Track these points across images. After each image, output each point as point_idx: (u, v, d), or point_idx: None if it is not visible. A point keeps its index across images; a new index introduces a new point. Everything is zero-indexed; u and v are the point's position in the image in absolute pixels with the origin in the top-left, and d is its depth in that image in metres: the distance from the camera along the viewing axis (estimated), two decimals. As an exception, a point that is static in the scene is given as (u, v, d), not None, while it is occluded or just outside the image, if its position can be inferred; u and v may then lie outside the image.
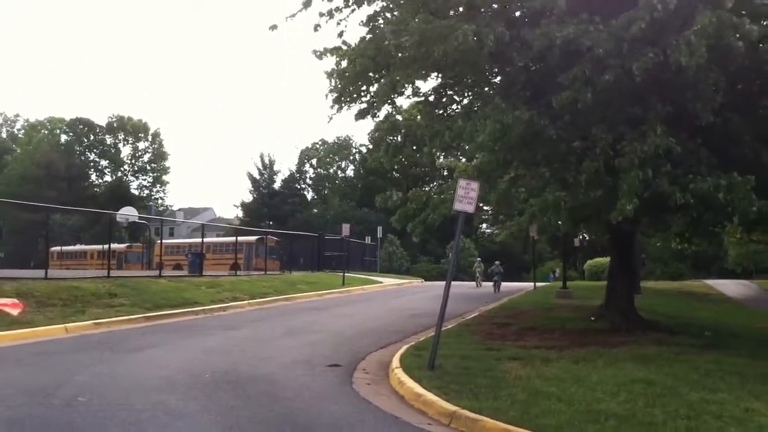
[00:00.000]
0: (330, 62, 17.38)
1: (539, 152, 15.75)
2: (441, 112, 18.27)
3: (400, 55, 15.01)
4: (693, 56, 12.03)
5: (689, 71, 12.54)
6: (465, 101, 18.44)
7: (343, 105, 17.52)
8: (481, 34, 13.14)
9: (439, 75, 17.39)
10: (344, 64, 17.11)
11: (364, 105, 17.69)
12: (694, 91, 13.72)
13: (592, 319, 19.30)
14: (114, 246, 38.17)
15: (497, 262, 40.59)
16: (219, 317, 21.93)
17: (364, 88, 17.32)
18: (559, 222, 20.86)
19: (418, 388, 10.73)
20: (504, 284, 38.55)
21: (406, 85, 17.22)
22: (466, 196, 12.85)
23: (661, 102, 14.15)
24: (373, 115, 17.96)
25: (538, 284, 41.81)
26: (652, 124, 13.59)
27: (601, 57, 12.82)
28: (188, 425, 8.52)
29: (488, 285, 40.11)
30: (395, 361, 13.10)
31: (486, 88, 17.39)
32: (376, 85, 17.09)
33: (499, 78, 17.29)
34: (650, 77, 13.11)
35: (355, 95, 17.44)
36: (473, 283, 49.20)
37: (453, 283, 13.67)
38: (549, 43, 13.08)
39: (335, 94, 17.31)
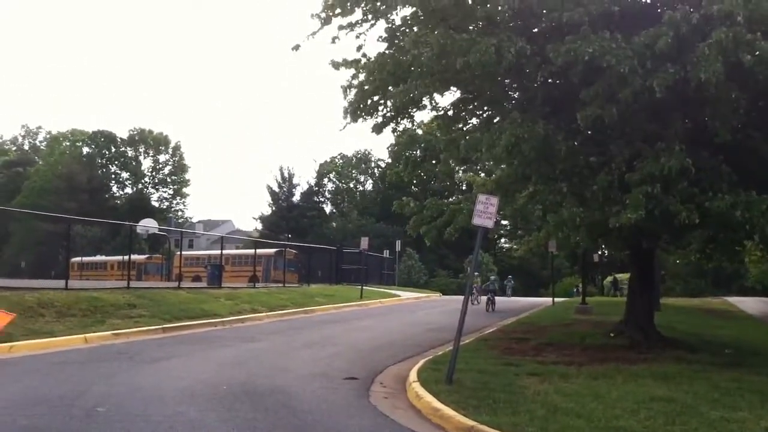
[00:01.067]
0: (347, 74, 17.48)
1: (557, 167, 15.73)
2: (459, 126, 18.29)
3: (419, 69, 15.06)
4: (710, 72, 11.99)
5: (709, 87, 12.49)
6: (483, 116, 18.44)
7: (359, 117, 17.58)
8: (501, 48, 13.18)
9: (458, 89, 17.43)
10: (362, 77, 17.19)
11: (380, 119, 17.74)
12: (713, 108, 13.67)
13: (612, 335, 19.15)
14: (134, 257, 38.38)
15: (493, 277, 40.49)
16: (237, 329, 21.99)
17: (381, 101, 17.37)
18: (578, 238, 20.76)
19: (436, 402, 10.70)
20: (522, 299, 38.24)
21: (425, 99, 17.25)
22: (485, 211, 12.86)
23: (681, 118, 14.11)
24: (393, 130, 18.01)
25: (562, 299, 41.50)
26: (671, 142, 13.55)
27: (624, 74, 12.79)
28: (206, 436, 8.53)
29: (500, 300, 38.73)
30: (413, 375, 13.08)
31: (505, 103, 17.40)
32: (394, 99, 17.13)
33: (518, 93, 17.30)
34: (671, 93, 13.08)
35: (372, 109, 17.49)
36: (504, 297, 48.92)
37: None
38: (573, 59, 13.07)
39: (353, 107, 17.37)
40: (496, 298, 35.05)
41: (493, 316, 28.23)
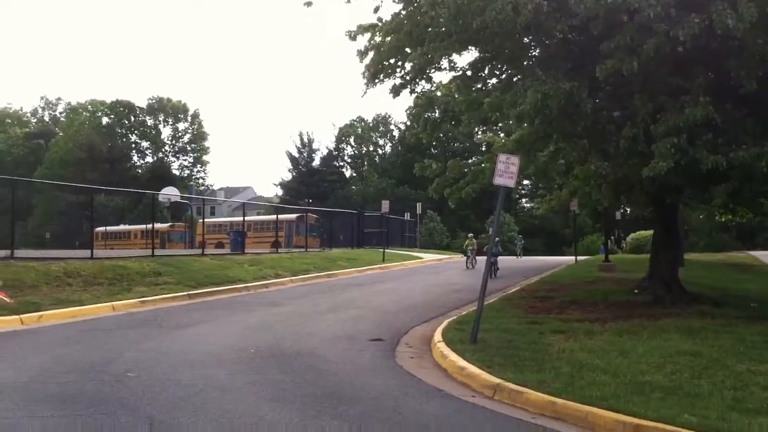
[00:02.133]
0: (364, 40, 17.34)
1: (579, 124, 15.59)
2: (479, 86, 18.13)
3: (436, 30, 14.90)
4: (741, 18, 11.77)
5: (736, 33, 12.26)
6: (503, 75, 18.25)
7: (377, 80, 17.46)
8: (518, 4, 13.00)
9: (477, 48, 17.25)
10: (378, 39, 17.05)
11: (399, 80, 17.61)
12: (738, 58, 13.45)
13: (636, 291, 19.12)
14: (157, 226, 38.70)
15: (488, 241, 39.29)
16: (261, 294, 22.17)
17: (399, 63, 17.24)
18: (600, 196, 20.65)
19: (461, 361, 10.77)
20: (544, 258, 37.96)
21: (443, 59, 17.09)
22: (506, 171, 12.79)
23: (705, 71, 13.90)
24: (412, 90, 17.87)
25: (592, 257, 41.29)
26: (695, 95, 13.37)
27: (647, 22, 12.57)
28: (236, 399, 8.65)
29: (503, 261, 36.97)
30: (437, 335, 13.16)
31: (525, 62, 17.20)
32: (412, 62, 16.98)
33: (537, 50, 17.10)
34: (694, 45, 12.86)
35: (390, 70, 17.36)
36: (514, 257, 48.84)
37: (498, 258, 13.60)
38: (595, 9, 12.85)
39: (371, 70, 17.25)
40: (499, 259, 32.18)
41: (516, 276, 28.20)
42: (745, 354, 10.92)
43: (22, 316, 15.17)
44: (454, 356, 11.20)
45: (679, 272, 19.71)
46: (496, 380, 9.51)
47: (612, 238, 55.27)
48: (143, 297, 18.82)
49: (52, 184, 59.24)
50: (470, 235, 38.31)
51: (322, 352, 12.00)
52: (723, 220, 32.11)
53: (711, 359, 10.51)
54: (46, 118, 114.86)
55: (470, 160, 23.75)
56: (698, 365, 10.10)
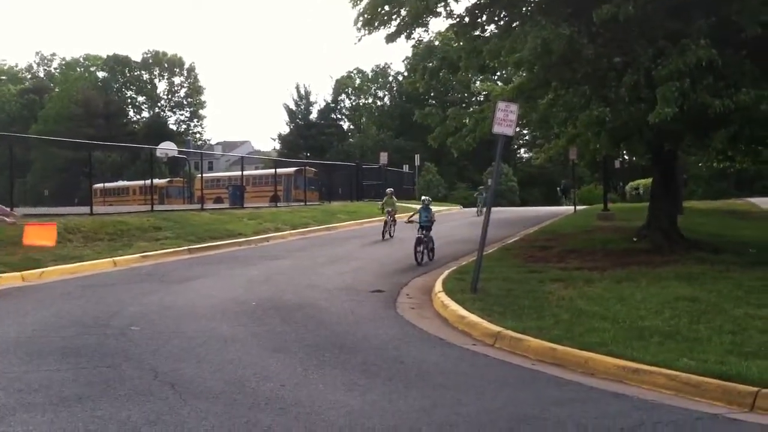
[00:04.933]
0: None
1: (579, 71, 15.46)
2: (477, 33, 17.92)
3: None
4: None
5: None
6: (501, 22, 18.04)
7: (372, 28, 17.26)
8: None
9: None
10: None
11: (394, 28, 17.40)
12: (739, 2, 13.29)
13: (634, 239, 19.18)
14: (155, 181, 38.62)
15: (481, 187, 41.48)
16: (262, 248, 22.24)
17: (395, 9, 17.01)
18: (598, 146, 20.56)
19: (462, 311, 10.86)
20: (543, 209, 37.94)
21: (439, 6, 16.87)
22: (505, 119, 12.70)
23: (705, 15, 13.75)
24: (408, 36, 17.63)
25: (591, 206, 41.46)
26: (695, 38, 13.25)
27: None
28: (239, 350, 8.74)
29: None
30: (438, 286, 13.24)
31: (523, 7, 16.98)
32: (407, 7, 16.74)
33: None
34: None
35: (385, 17, 17.15)
36: (512, 208, 48.91)
37: (492, 208, 13.60)
38: None
39: (365, 16, 17.02)
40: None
41: (515, 226, 28.21)
42: (743, 299, 11.00)
43: (23, 272, 15.22)
44: (454, 306, 11.28)
45: (677, 220, 19.73)
46: (497, 328, 9.59)
47: (618, 186, 55.52)
48: (144, 252, 18.86)
49: (49, 140, 58.92)
50: (389, 190, 26.90)
51: (323, 304, 12.09)
52: (722, 167, 32.05)
53: (709, 304, 10.60)
54: (41, 74, 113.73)
55: (470, 109, 23.57)
56: (697, 310, 10.19)
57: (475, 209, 39.42)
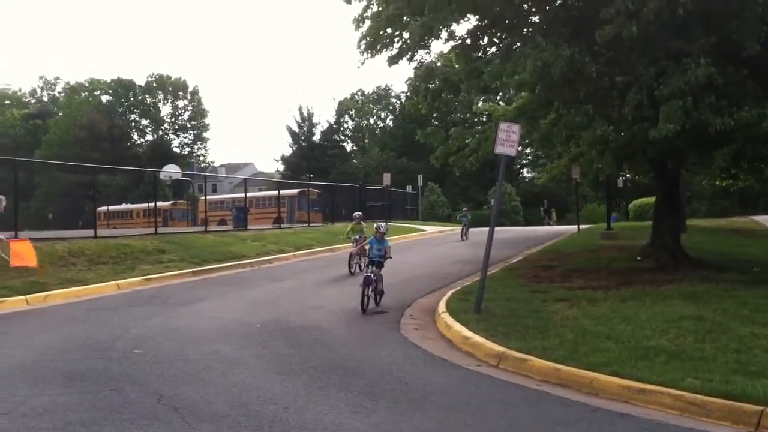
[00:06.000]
0: (358, 7, 17.23)
1: (582, 90, 15.52)
2: (479, 55, 18.02)
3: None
4: None
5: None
6: (502, 44, 18.15)
7: (376, 51, 17.37)
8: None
9: (476, 17, 17.12)
10: (375, 7, 16.93)
11: (396, 51, 17.50)
12: (739, 20, 13.37)
13: (638, 258, 19.16)
14: (159, 204, 38.73)
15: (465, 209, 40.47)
16: (266, 269, 22.24)
17: (397, 32, 17.13)
18: (600, 165, 20.61)
19: (466, 331, 10.83)
20: (546, 228, 37.77)
21: (442, 29, 16.99)
22: (507, 139, 12.75)
23: (706, 34, 13.82)
24: (410, 58, 17.73)
25: (594, 225, 41.40)
26: (696, 56, 13.32)
27: None
28: (243, 373, 8.72)
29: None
30: (441, 306, 13.22)
31: (524, 29, 17.09)
32: (409, 30, 16.85)
33: (537, 17, 16.99)
34: (695, 7, 12.79)
35: (387, 40, 17.27)
36: (515, 228, 48.87)
37: (496, 228, 13.61)
38: None
39: (368, 39, 17.14)
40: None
41: (518, 246, 28.21)
42: (748, 317, 10.96)
43: (27, 296, 15.23)
44: (458, 326, 11.26)
45: (681, 238, 19.71)
46: (501, 349, 9.57)
47: (621, 204, 55.63)
48: (148, 275, 18.87)
49: (53, 164, 59.14)
50: (357, 215, 22.72)
51: (327, 325, 12.08)
52: (724, 185, 32.08)
53: (714, 323, 10.56)
54: (45, 99, 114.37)
55: (473, 129, 23.65)
56: (702, 329, 10.15)
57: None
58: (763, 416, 6.69)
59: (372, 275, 13.72)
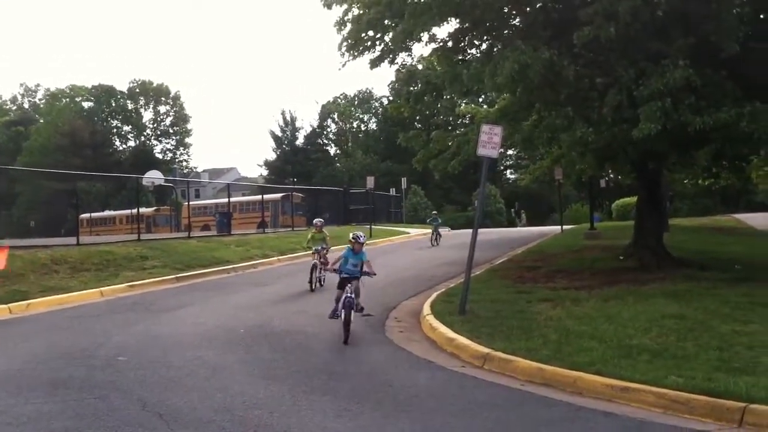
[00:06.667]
0: (339, 11, 17.22)
1: (562, 92, 15.60)
2: (460, 57, 18.06)
3: (416, 5, 14.85)
4: None
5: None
6: (484, 46, 18.20)
7: (357, 53, 17.37)
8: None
9: (457, 20, 17.16)
10: (355, 11, 16.93)
11: (378, 53, 17.51)
12: (717, 21, 13.48)
13: (621, 258, 19.26)
14: (142, 210, 38.54)
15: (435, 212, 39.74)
16: (249, 274, 22.19)
17: (378, 35, 17.15)
18: (584, 166, 20.71)
19: (450, 333, 10.86)
20: (530, 229, 37.93)
21: (423, 33, 17.02)
22: (489, 141, 12.81)
23: (684, 35, 13.93)
24: (392, 61, 17.73)
25: (578, 226, 41.58)
26: (675, 58, 13.42)
27: None
28: (228, 377, 8.71)
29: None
30: (426, 308, 13.25)
31: (504, 31, 17.15)
32: (391, 33, 16.86)
33: (517, 19, 17.06)
34: (672, 9, 12.89)
35: (369, 43, 17.28)
36: (499, 229, 48.98)
37: (480, 230, 13.65)
38: None
39: (349, 41, 17.14)
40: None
41: (502, 247, 28.29)
42: (730, 315, 11.05)
43: (10, 305, 15.11)
44: (443, 328, 11.29)
45: (663, 237, 19.84)
46: (485, 350, 9.60)
47: (604, 204, 56.10)
48: (131, 281, 18.77)
49: (34, 171, 58.73)
50: (317, 221, 19.33)
51: (311, 330, 12.07)
52: (706, 183, 32.31)
53: (696, 321, 10.64)
54: (26, 106, 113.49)
55: (455, 132, 23.71)
56: (684, 328, 10.22)
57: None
58: (746, 413, 6.75)
59: (351, 295, 11.31)
